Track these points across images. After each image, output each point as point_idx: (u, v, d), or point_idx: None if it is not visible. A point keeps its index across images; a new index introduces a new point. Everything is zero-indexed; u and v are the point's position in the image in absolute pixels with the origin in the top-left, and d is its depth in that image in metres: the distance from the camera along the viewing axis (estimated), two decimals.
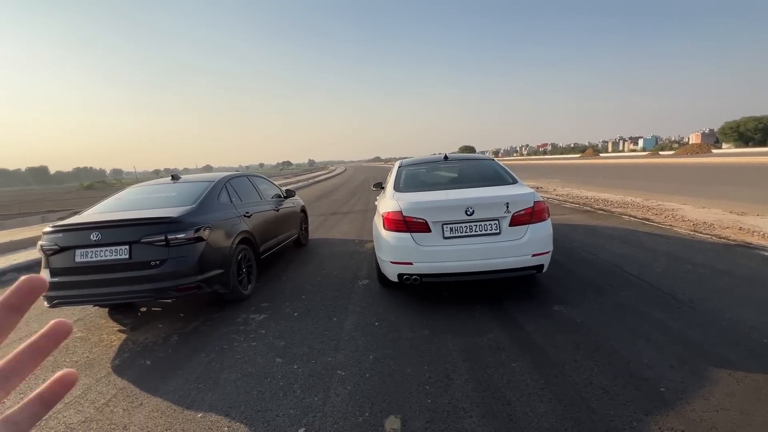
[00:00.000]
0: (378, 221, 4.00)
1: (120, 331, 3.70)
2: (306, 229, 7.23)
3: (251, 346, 3.17)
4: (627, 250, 5.16)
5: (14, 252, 7.90)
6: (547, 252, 3.51)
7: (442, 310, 3.59)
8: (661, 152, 58.30)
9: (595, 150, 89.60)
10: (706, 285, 3.76)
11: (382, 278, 4.18)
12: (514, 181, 4.01)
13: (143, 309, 4.23)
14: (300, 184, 25.62)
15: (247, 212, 4.61)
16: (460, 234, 3.43)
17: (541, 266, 3.51)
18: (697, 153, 41.82)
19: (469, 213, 3.40)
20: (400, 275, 3.57)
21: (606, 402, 2.16)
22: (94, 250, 3.36)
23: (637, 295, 3.61)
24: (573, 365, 2.54)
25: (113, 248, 3.36)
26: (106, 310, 4.24)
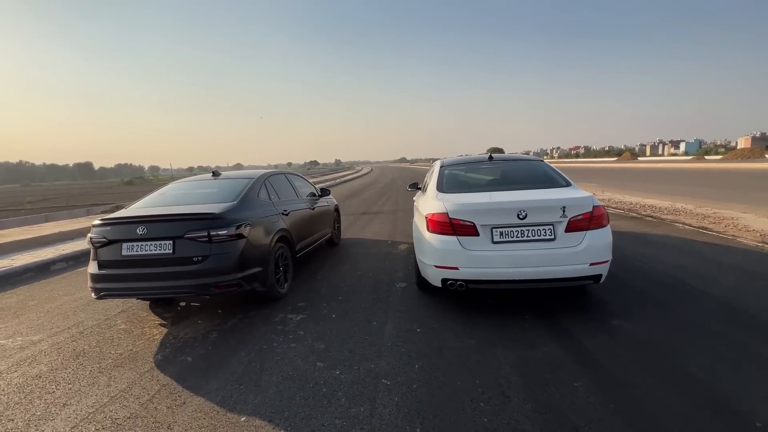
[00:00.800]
0: (420, 223, 3.84)
1: (161, 324, 3.73)
2: (339, 228, 7.18)
3: (291, 348, 3.09)
4: (685, 260, 4.75)
5: (63, 242, 8.30)
6: (607, 261, 3.23)
7: (487, 319, 3.39)
8: (706, 157, 54.82)
9: (633, 153, 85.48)
10: None
11: (422, 282, 4.02)
12: (568, 184, 3.74)
13: (182, 303, 4.27)
14: (327, 183, 25.80)
15: (285, 210, 4.57)
16: (510, 239, 3.22)
17: (599, 276, 3.24)
18: (749, 158, 38.93)
19: (521, 216, 3.18)
20: (444, 280, 3.40)
21: None
22: (139, 243, 3.39)
23: (706, 312, 3.27)
24: (645, 389, 2.28)
25: (158, 243, 3.38)
26: (147, 303, 4.31)
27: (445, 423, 2.10)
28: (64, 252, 7.12)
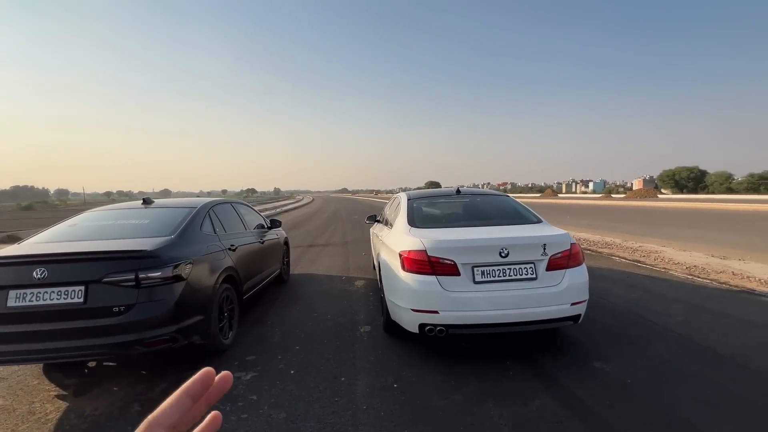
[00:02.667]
0: (390, 260, 3.51)
1: (59, 397, 2.84)
2: (288, 263, 6.55)
3: (241, 420, 2.47)
4: (635, 295, 4.97)
5: None
6: (585, 300, 3.16)
7: (468, 368, 3.08)
8: (612, 195, 62.72)
9: (553, 190, 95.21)
10: (740, 337, 3.55)
11: (390, 326, 3.63)
12: (539, 221, 3.71)
13: (92, 364, 3.37)
14: (267, 213, 24.55)
15: (232, 245, 3.95)
16: (492, 278, 3.02)
17: (579, 316, 3.14)
18: (645, 197, 45.29)
19: (503, 254, 3.01)
20: (422, 326, 3.05)
21: None
22: (36, 291, 2.58)
23: (675, 350, 3.31)
24: None
25: (63, 289, 2.60)
26: (39, 366, 3.33)
27: None
28: None
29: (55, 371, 3.23)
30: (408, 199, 4.17)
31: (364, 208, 32.13)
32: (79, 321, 2.60)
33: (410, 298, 3.09)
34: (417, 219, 3.76)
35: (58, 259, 2.65)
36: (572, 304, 3.05)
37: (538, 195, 74.97)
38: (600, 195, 67.47)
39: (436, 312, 2.98)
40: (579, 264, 3.20)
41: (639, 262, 6.98)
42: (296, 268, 7.30)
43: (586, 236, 10.61)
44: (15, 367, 3.30)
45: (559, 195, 77.22)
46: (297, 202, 50.42)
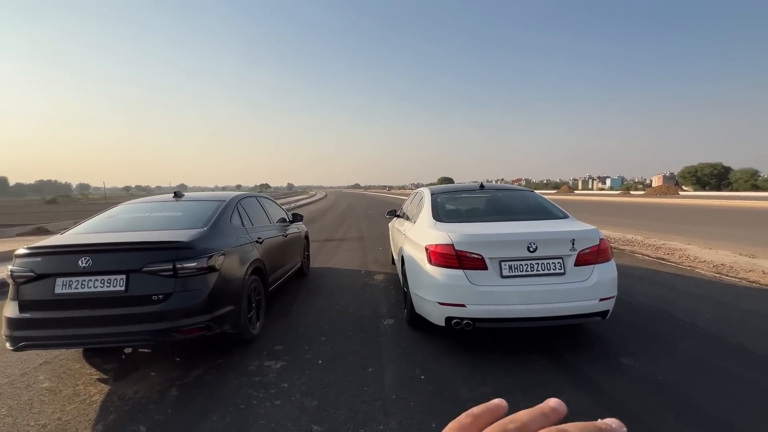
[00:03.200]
0: (415, 254, 3.54)
1: (100, 380, 2.98)
2: (308, 256, 6.65)
3: (275, 406, 2.55)
4: (661, 292, 4.89)
5: None
6: (614, 296, 3.14)
7: (494, 361, 3.10)
8: (631, 192, 61.32)
9: (569, 187, 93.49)
10: None
11: (414, 320, 3.67)
12: (565, 216, 3.68)
13: (128, 350, 3.51)
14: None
15: (259, 238, 4.05)
16: (520, 273, 3.02)
17: (607, 312, 3.12)
18: (666, 194, 44.11)
19: (531, 249, 3.01)
20: (448, 319, 3.08)
21: None
22: (81, 279, 2.71)
23: (705, 347, 3.26)
24: None
25: (106, 278, 2.72)
26: (80, 351, 3.49)
27: None
28: None
29: (94, 356, 3.38)
30: (431, 194, 4.19)
31: (378, 203, 32.22)
32: (121, 308, 2.71)
33: (437, 291, 3.12)
34: (442, 213, 3.77)
35: (101, 249, 2.77)
36: (600, 299, 3.03)
37: (554, 191, 73.78)
38: (618, 192, 66.01)
39: (463, 305, 3.00)
40: (608, 260, 3.17)
41: (663, 259, 6.84)
42: (315, 262, 7.40)
43: (606, 233, 10.42)
44: (57, 352, 3.47)
45: (575, 191, 75.82)
46: (310, 197, 50.83)
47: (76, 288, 2.71)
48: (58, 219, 18.76)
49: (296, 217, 5.89)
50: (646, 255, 7.28)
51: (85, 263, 2.70)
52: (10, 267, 2.78)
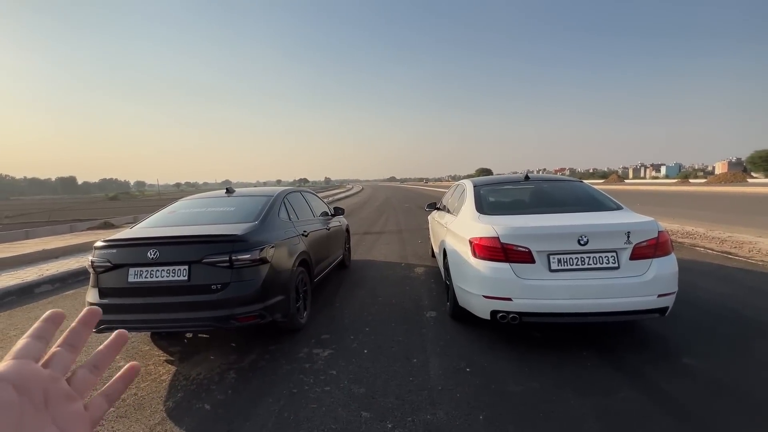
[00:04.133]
0: (459, 247, 3.52)
1: (168, 362, 3.26)
2: (349, 249, 6.79)
3: (325, 392, 2.67)
4: (726, 289, 4.51)
5: (46, 262, 7.69)
6: (674, 292, 2.95)
7: (542, 356, 3.04)
8: (690, 180, 56.48)
9: (618, 176, 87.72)
10: None
11: (457, 312, 3.66)
12: (619, 207, 3.49)
13: (189, 335, 3.80)
14: None
15: (304, 231, 4.20)
16: (570, 267, 2.92)
17: (666, 309, 2.94)
18: (732, 182, 40.15)
19: (582, 242, 2.89)
20: (494, 312, 3.05)
21: None
22: (150, 269, 2.97)
23: None
24: None
25: (172, 268, 2.96)
26: (149, 334, 3.83)
27: None
28: (48, 273, 6.54)
29: (161, 339, 3.70)
30: (474, 186, 4.12)
31: (415, 196, 32.10)
32: (185, 296, 2.95)
33: (482, 284, 3.09)
34: (486, 206, 3.71)
35: (167, 242, 3.02)
36: (659, 295, 2.86)
37: (602, 181, 69.59)
38: (675, 180, 61.05)
39: (509, 299, 2.95)
40: (667, 253, 2.98)
41: (729, 253, 6.29)
42: (355, 255, 7.54)
43: (664, 225, 9.73)
44: (129, 334, 3.82)
45: (626, 181, 71.02)
46: (347, 191, 51.64)
47: (145, 277, 2.97)
48: (120, 214, 20.49)
49: (338, 211, 6.03)
50: (710, 248, 6.72)
51: (153, 254, 2.95)
52: (90, 257, 3.10)
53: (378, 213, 17.22)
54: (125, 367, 0.43)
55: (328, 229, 5.23)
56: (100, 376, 0.40)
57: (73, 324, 0.39)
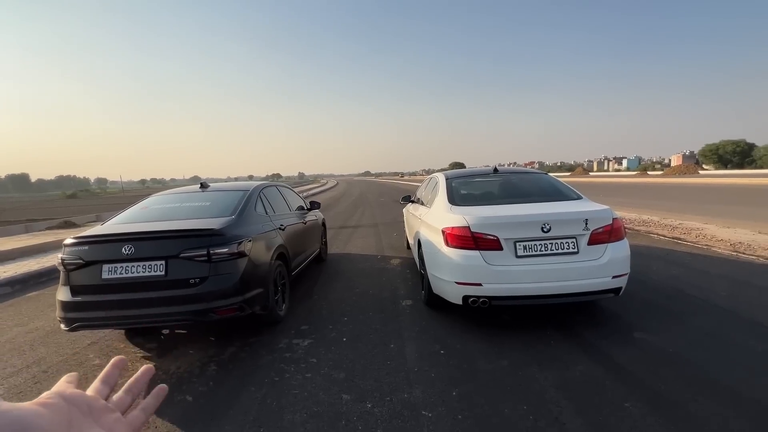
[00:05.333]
0: (432, 237, 3.68)
1: (145, 358, 3.25)
2: (325, 243, 6.85)
3: (307, 379, 2.77)
4: (676, 271, 4.93)
5: (2, 264, 7.28)
6: (627, 274, 3.24)
7: (510, 336, 3.26)
8: (648, 172, 59.81)
9: (584, 169, 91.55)
10: None
11: (431, 300, 3.83)
12: (579, 197, 3.76)
13: (166, 332, 3.78)
14: None
15: (281, 225, 4.24)
16: (534, 253, 3.14)
17: (620, 289, 3.23)
18: (685, 173, 42.93)
19: (545, 230, 3.11)
20: (465, 297, 3.23)
21: None
22: (125, 265, 2.94)
23: (719, 323, 3.34)
24: (697, 406, 2.22)
25: (148, 263, 2.95)
26: (123, 332, 3.77)
27: None
28: (6, 275, 6.21)
29: (136, 337, 3.66)
30: (446, 179, 4.29)
31: (390, 190, 32.32)
32: (162, 291, 2.94)
33: (454, 271, 3.26)
34: (457, 197, 3.89)
35: (142, 237, 2.99)
36: (613, 277, 3.13)
37: (568, 174, 72.46)
38: (635, 172, 64.45)
39: (480, 285, 3.14)
40: (621, 238, 3.25)
41: (679, 239, 6.83)
42: (332, 248, 7.60)
43: (621, 214, 10.33)
44: (102, 333, 3.75)
45: (591, 173, 74.32)
46: (322, 186, 51.18)
47: (120, 273, 2.94)
48: (81, 213, 19.44)
49: (314, 205, 6.08)
50: (662, 235, 7.27)
51: (128, 250, 2.93)
52: (60, 255, 3.02)
53: (353, 207, 17.27)
54: (155, 389, 0.50)
55: (305, 223, 5.27)
56: (133, 398, 0.48)
57: (107, 368, 0.48)
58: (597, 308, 3.78)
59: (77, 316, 2.95)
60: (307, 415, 2.34)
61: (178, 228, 3.09)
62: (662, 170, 65.59)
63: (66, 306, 2.95)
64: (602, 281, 3.12)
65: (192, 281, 2.97)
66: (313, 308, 4.24)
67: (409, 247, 6.57)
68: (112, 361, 0.50)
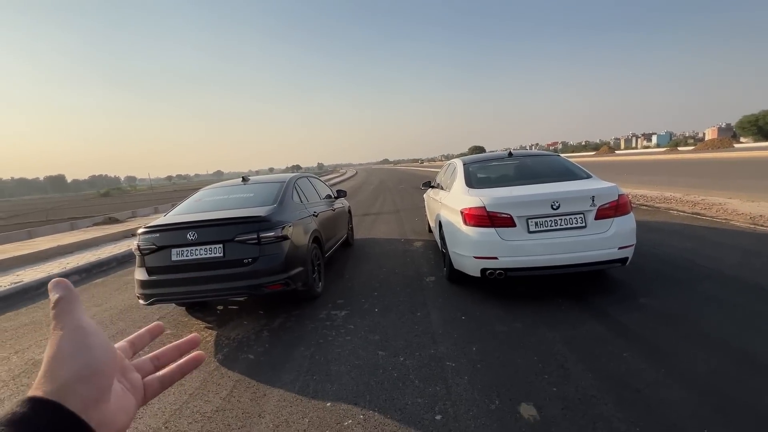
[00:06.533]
0: (452, 218, 4.06)
1: (208, 327, 3.82)
2: (352, 229, 7.33)
3: (347, 341, 3.25)
4: (690, 244, 5.12)
5: (63, 256, 8.16)
6: (632, 245, 3.52)
7: (525, 304, 3.62)
8: (679, 148, 57.23)
9: (610, 147, 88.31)
10: None
11: (453, 276, 4.23)
12: (588, 176, 4.03)
13: (220, 307, 4.35)
14: None
15: (315, 212, 4.71)
16: (545, 228, 3.47)
17: (626, 259, 3.52)
18: (719, 148, 40.94)
19: (554, 207, 3.43)
20: (483, 270, 3.62)
21: (742, 390, 2.17)
22: (190, 249, 3.48)
23: (722, 288, 3.59)
24: (688, 355, 2.55)
25: (208, 247, 3.48)
26: (184, 309, 4.37)
27: (519, 394, 2.31)
28: (70, 266, 7.02)
29: (197, 312, 4.25)
30: (464, 164, 4.64)
31: (409, 177, 32.51)
32: (221, 270, 3.48)
33: (472, 247, 3.64)
34: (474, 181, 4.23)
35: (203, 225, 3.52)
36: (620, 248, 3.43)
37: (593, 153, 70.20)
38: (664, 149, 61.77)
39: (496, 258, 3.51)
40: (627, 213, 3.53)
41: (699, 214, 6.91)
42: (357, 234, 8.08)
43: (643, 192, 10.35)
44: (168, 309, 4.37)
45: (617, 152, 71.70)
46: (341, 175, 51.78)
47: (186, 256, 3.49)
48: (117, 210, 20.75)
49: (340, 193, 6.53)
50: (682, 211, 7.34)
51: (192, 236, 3.46)
52: (135, 242, 3.60)
53: (374, 195, 17.71)
54: (187, 357, 0.50)
55: (333, 210, 5.74)
56: (159, 366, 0.48)
57: (141, 331, 0.50)
58: (607, 278, 4.08)
59: (153, 292, 3.52)
60: (350, 367, 2.82)
61: (232, 216, 3.60)
62: (695, 145, 62.54)
63: (144, 284, 3.53)
64: (609, 252, 3.42)
65: (246, 261, 3.48)
66: (346, 286, 4.72)
67: (430, 231, 6.96)
68: (149, 326, 0.51)
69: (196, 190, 5.01)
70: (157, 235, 3.54)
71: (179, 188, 72.34)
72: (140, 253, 3.57)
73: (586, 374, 2.44)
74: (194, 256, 3.48)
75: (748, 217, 6.20)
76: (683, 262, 4.41)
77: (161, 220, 3.78)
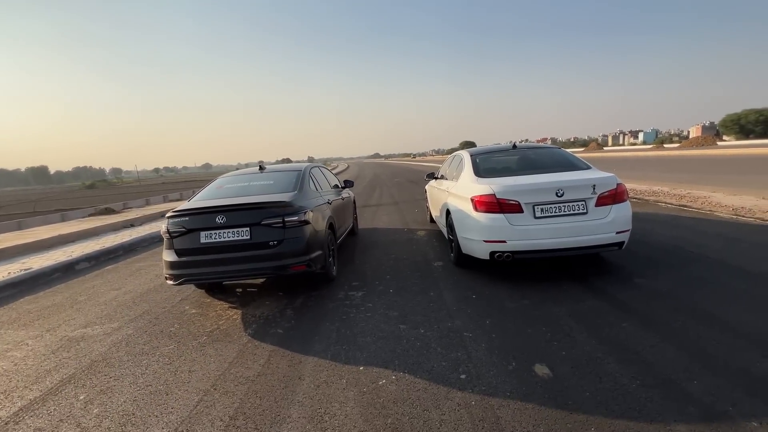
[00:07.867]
0: (462, 205, 4.32)
1: (232, 307, 4.02)
2: (356, 218, 7.56)
3: (368, 317, 3.50)
4: (677, 233, 5.50)
5: (66, 245, 8.22)
6: (629, 230, 3.84)
7: (531, 284, 3.92)
8: (665, 145, 58.60)
9: (598, 144, 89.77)
10: None
11: (461, 260, 4.51)
12: (588, 167, 4.33)
13: (239, 290, 4.56)
14: None
15: (329, 200, 4.93)
16: (550, 214, 3.76)
17: (623, 243, 3.84)
18: (703, 145, 42.17)
19: (559, 195, 3.72)
20: (492, 253, 3.90)
21: (724, 350, 2.49)
22: (218, 231, 3.68)
23: (707, 270, 3.94)
24: (679, 325, 2.87)
25: (236, 230, 3.68)
26: (204, 290, 4.56)
27: (533, 357, 2.60)
28: (75, 254, 7.10)
29: (219, 294, 4.45)
30: (471, 156, 4.90)
31: (402, 171, 32.76)
32: (248, 251, 3.68)
33: (482, 232, 3.92)
34: (482, 170, 4.50)
35: (231, 209, 3.71)
36: (617, 232, 3.75)
37: (582, 149, 71.39)
38: (650, 146, 63.18)
39: (504, 242, 3.80)
40: (624, 200, 3.85)
41: (685, 206, 7.32)
42: (360, 224, 8.31)
43: (632, 186, 10.79)
44: (189, 291, 4.56)
45: (605, 148, 73.07)
46: (333, 169, 51.71)
47: (215, 238, 3.68)
48: (110, 201, 20.56)
49: (347, 183, 6.75)
50: (670, 203, 7.76)
51: (221, 220, 3.66)
52: (165, 225, 3.77)
53: (371, 188, 17.92)
54: None
55: (343, 199, 5.96)
56: None
57: None
58: (605, 261, 4.41)
59: (182, 273, 3.72)
60: (376, 338, 3.08)
61: (259, 201, 3.80)
62: (680, 143, 64.09)
63: (173, 265, 3.72)
64: (608, 236, 3.74)
65: (271, 243, 3.70)
66: (358, 270, 4.97)
67: (432, 221, 7.23)
68: None
69: (185, 182, 5.22)
70: (187, 218, 3.72)
71: (167, 180, 71.09)
72: (170, 235, 3.75)
73: (591, 340, 2.74)
74: (222, 239, 3.67)
75: (731, 209, 6.62)
76: (672, 248, 4.77)
77: (186, 205, 3.95)
